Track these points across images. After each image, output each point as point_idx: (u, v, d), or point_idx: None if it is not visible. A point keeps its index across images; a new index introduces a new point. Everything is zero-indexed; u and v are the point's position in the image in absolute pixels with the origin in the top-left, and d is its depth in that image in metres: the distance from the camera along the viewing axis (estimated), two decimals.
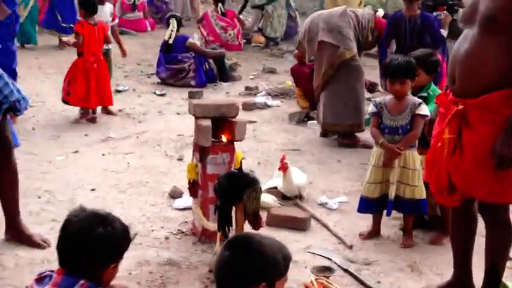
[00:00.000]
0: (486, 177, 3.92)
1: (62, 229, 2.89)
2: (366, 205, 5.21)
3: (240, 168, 4.49)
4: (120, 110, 9.19)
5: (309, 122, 8.65)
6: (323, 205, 5.92)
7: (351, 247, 5.08)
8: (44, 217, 5.45)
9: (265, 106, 9.70)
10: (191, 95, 10.19)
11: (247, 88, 10.88)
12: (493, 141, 3.85)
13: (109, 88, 8.81)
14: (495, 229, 4.12)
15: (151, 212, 5.60)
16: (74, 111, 8.99)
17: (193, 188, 5.05)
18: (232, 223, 4.52)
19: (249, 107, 9.53)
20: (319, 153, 7.50)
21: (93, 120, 8.44)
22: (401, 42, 7.47)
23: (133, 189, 6.14)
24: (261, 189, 4.41)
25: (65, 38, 12.07)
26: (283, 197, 6.01)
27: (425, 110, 4.94)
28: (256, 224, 4.41)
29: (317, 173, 6.80)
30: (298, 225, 5.39)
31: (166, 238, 5.12)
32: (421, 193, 5.01)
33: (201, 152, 4.97)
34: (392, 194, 5.04)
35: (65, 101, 8.56)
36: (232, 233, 4.49)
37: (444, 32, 8.09)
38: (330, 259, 4.87)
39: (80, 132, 8.03)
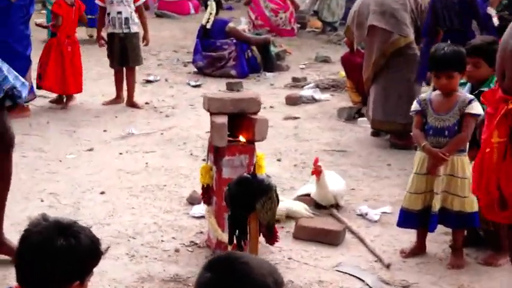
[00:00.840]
0: None
1: (20, 241, 2.84)
2: (406, 218, 5.05)
3: (254, 173, 4.39)
4: (146, 103, 9.22)
5: (359, 119, 8.51)
6: (363, 216, 5.78)
7: (388, 266, 4.93)
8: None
9: (312, 100, 9.59)
10: (229, 87, 10.18)
11: (294, 79, 10.80)
12: None
13: (80, 74, 8.93)
14: None
15: (165, 220, 5.56)
16: (96, 104, 9.07)
17: (207, 194, 4.99)
18: (247, 235, 4.42)
19: (293, 101, 9.45)
20: (367, 155, 7.35)
21: (63, 105, 8.66)
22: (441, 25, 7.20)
23: (147, 194, 6.11)
24: (277, 197, 4.30)
25: (38, 20, 12.18)
26: (317, 206, 5.89)
27: (477, 108, 4.74)
28: (270, 237, 4.31)
29: (361, 178, 6.66)
30: (330, 239, 5.27)
31: (177, 250, 5.07)
32: (472, 205, 4.81)
33: (216, 153, 4.90)
34: (437, 206, 4.86)
35: (38, 85, 8.66)
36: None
37: (492, 11, 7.71)
38: (362, 280, 4.73)
39: (99, 128, 8.08)
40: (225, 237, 4.77)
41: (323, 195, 5.81)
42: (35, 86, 8.62)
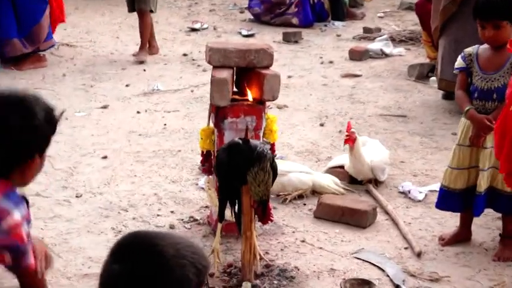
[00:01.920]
0: None
1: None
2: (446, 199, 4.88)
3: (246, 138, 4.30)
4: (184, 55, 9.20)
5: (431, 78, 8.27)
6: (405, 194, 5.64)
7: (419, 255, 4.78)
8: (27, 189, 5.45)
9: (381, 55, 9.40)
10: (286, 38, 10.10)
11: (365, 30, 10.62)
12: None
13: None
14: None
15: (167, 191, 5.55)
16: (126, 55, 9.12)
17: (208, 161, 4.93)
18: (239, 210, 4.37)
19: (357, 55, 9.29)
20: (431, 122, 7.15)
21: None
22: None
23: (156, 160, 6.10)
24: (273, 168, 4.20)
25: None
26: (352, 180, 5.77)
27: None
28: (263, 216, 4.23)
29: (417, 149, 6.49)
30: (356, 219, 5.16)
31: (171, 227, 5.05)
32: None
33: (217, 113, 4.82)
34: (483, 185, 4.66)
35: None
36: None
37: None
38: (382, 270, 4.60)
39: (121, 82, 8.14)
40: (226, 213, 4.71)
41: (358, 168, 5.68)
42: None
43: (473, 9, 4.66)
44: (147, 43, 8.95)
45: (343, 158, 5.84)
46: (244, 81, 4.96)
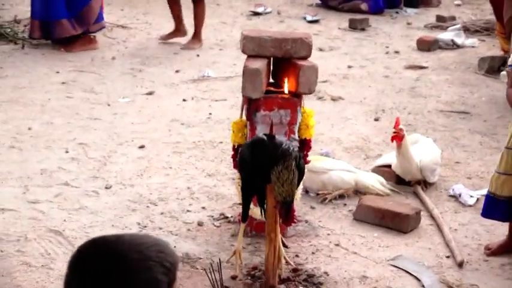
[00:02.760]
0: None
1: None
2: (492, 206, 4.71)
3: (271, 134, 4.21)
4: None
5: (502, 72, 8.03)
6: (456, 197, 5.48)
7: (460, 264, 4.64)
8: (56, 178, 5.54)
9: (452, 46, 9.19)
10: (352, 25, 9.99)
11: (439, 18, 10.40)
12: None
13: None
14: None
15: (202, 185, 5.50)
16: (183, 38, 9.08)
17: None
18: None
19: (426, 45, 9.13)
20: (495, 120, 6.97)
21: None
22: None
23: (195, 151, 6.06)
24: (299, 167, 4.09)
25: None
26: (399, 181, 5.63)
27: None
28: (286, 218, 4.13)
29: (476, 149, 6.32)
30: (397, 223, 5.03)
31: (200, 224, 5.00)
32: None
33: (250, 106, 4.74)
34: None
35: None
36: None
37: None
38: (418, 279, 4.47)
39: (171, 68, 8.13)
40: (255, 211, 4.64)
41: (405, 167, 5.54)
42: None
43: None
44: (179, 27, 8.87)
45: (391, 157, 5.70)
46: (281, 72, 4.86)
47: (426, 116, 7.02)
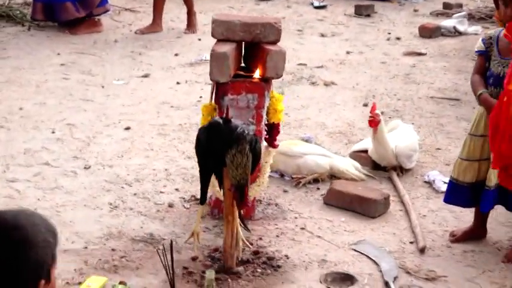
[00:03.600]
0: None
1: None
2: (454, 192, 4.64)
3: (227, 117, 4.15)
4: None
5: None
6: (430, 184, 5.40)
7: (422, 250, 4.57)
8: (38, 158, 5.54)
9: (454, 33, 9.05)
10: (358, 11, 9.89)
11: (445, 5, 10.25)
12: None
13: None
14: None
15: (180, 166, 5.47)
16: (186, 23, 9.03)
17: None
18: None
19: (428, 32, 9.01)
20: None
21: None
22: None
23: (179, 133, 6.03)
24: (254, 150, 4.04)
25: None
26: (375, 166, 5.55)
27: None
28: (240, 200, 4.08)
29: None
30: (365, 208, 4.97)
31: (170, 205, 4.97)
32: None
33: (218, 90, 4.68)
34: (493, 179, 4.39)
35: None
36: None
37: None
38: (377, 264, 4.41)
39: (171, 51, 8.09)
40: (220, 194, 4.60)
41: (381, 153, 5.47)
42: None
43: None
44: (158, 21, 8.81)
45: (369, 142, 5.62)
46: (251, 57, 4.81)
47: (415, 103, 6.93)
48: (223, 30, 4.71)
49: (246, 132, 4.04)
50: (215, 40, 4.78)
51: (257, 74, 4.71)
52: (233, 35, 4.71)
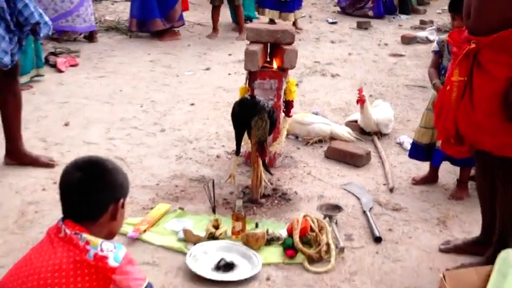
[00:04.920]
0: (496, 127, 3.16)
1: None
2: (415, 150, 4.53)
3: (253, 95, 4.09)
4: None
5: None
6: (400, 144, 5.27)
7: (391, 190, 4.47)
8: (129, 124, 5.52)
9: (426, 41, 8.81)
10: (359, 25, 9.69)
11: (421, 22, 10.02)
12: (506, 88, 3.07)
13: None
14: (508, 186, 3.31)
15: (227, 131, 5.41)
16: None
17: None
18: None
19: (407, 40, 8.78)
20: None
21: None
22: None
23: (227, 108, 5.88)
24: (271, 118, 3.98)
25: None
26: (362, 132, 5.44)
27: None
28: (261, 152, 4.02)
29: (420, 112, 6.04)
30: (354, 160, 4.86)
31: (218, 156, 4.92)
32: None
33: (250, 76, 4.61)
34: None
35: None
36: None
37: None
38: (359, 198, 4.32)
39: (227, 52, 8.02)
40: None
41: (366, 122, 5.36)
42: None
43: (449, 4, 4.21)
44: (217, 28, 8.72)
45: (358, 115, 5.50)
46: (273, 54, 4.72)
47: (394, 88, 6.77)
48: (254, 35, 4.64)
49: (266, 105, 3.99)
50: (249, 42, 4.70)
51: (275, 65, 4.63)
52: (261, 38, 4.63)
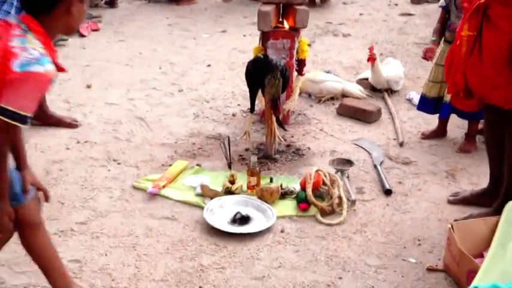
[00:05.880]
0: (505, 81, 3.05)
1: None
2: (423, 103, 4.42)
3: (266, 55, 3.98)
4: None
5: None
6: (410, 100, 5.14)
7: (401, 144, 4.36)
8: (149, 85, 5.44)
9: (435, 0, 8.53)
10: None
11: None
12: None
13: None
14: None
15: (242, 90, 5.29)
16: None
17: None
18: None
19: (416, 0, 8.49)
20: None
21: None
22: None
23: (243, 68, 5.59)
24: (284, 76, 3.87)
25: None
26: (372, 89, 5.31)
27: None
28: (275, 110, 3.92)
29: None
30: (365, 117, 4.76)
31: (233, 115, 4.83)
32: None
33: (264, 36, 4.49)
34: (448, 96, 4.14)
35: None
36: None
37: None
38: (370, 153, 4.23)
39: (243, 15, 7.82)
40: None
41: (377, 79, 5.22)
42: None
43: None
44: None
45: (369, 73, 5.36)
46: (286, 14, 4.58)
47: (404, 47, 6.59)
48: None
49: (279, 63, 3.89)
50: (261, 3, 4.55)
51: (286, 25, 4.50)
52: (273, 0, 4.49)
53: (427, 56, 4.25)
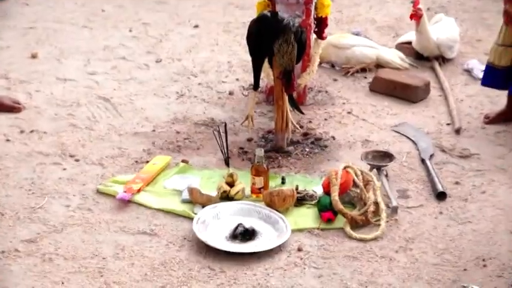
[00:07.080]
0: None
1: None
2: (490, 75, 4.45)
3: (274, 11, 3.99)
4: None
5: None
6: (469, 72, 5.17)
7: (457, 131, 4.39)
8: (115, 53, 5.49)
9: None
10: None
11: None
12: None
13: None
14: None
15: (241, 59, 5.33)
16: None
17: None
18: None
19: None
20: None
21: None
22: None
23: (243, 30, 5.74)
24: (299, 40, 3.88)
25: None
26: (418, 56, 5.33)
27: None
28: (287, 86, 3.94)
29: (494, 29, 5.90)
30: (408, 94, 4.79)
31: (231, 93, 4.86)
32: None
33: None
34: None
35: None
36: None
37: None
38: (415, 143, 4.25)
39: None
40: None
41: (424, 44, 5.25)
42: None
43: None
44: None
45: (412, 35, 5.38)
46: None
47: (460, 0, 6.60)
48: None
49: (292, 23, 3.89)
50: None
51: None
52: None
53: (506, 19, 4.22)
